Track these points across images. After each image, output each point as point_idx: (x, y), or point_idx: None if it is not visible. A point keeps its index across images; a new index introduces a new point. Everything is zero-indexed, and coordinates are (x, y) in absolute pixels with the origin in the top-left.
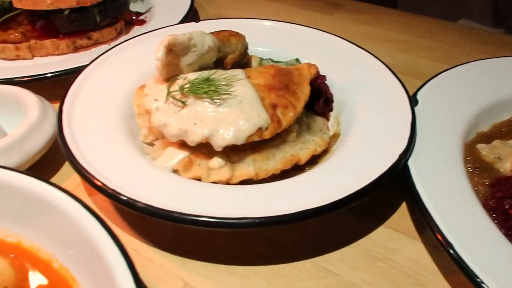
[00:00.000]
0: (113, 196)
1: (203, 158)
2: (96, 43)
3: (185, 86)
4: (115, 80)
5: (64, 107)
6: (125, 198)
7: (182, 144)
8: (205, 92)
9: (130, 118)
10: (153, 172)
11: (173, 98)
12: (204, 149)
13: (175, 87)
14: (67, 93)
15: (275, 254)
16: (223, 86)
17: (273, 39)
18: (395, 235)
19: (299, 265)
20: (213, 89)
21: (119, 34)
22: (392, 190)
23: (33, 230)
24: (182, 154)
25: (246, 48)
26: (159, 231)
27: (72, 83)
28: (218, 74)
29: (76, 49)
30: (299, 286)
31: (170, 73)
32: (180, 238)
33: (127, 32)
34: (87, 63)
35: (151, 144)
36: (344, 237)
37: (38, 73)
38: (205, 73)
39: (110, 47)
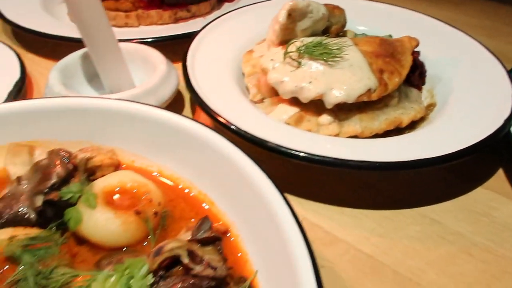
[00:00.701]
0: (244, 136)
1: (313, 114)
2: (194, 16)
3: (301, 48)
4: (224, 45)
5: (187, 64)
6: (257, 138)
7: (292, 101)
8: (320, 54)
9: (239, 78)
10: (271, 121)
11: (291, 58)
12: (313, 106)
13: (292, 48)
14: (187, 52)
15: (382, 201)
16: (335, 50)
17: (366, 17)
18: (494, 195)
19: (405, 212)
20: (326, 51)
21: (212, 9)
22: (489, 157)
23: (173, 161)
24: (293, 110)
25: (345, 21)
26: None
27: (189, 45)
28: (329, 40)
29: (176, 20)
30: (407, 230)
31: (285, 37)
32: (295, 181)
33: (218, 8)
34: (199, 29)
35: (258, 102)
36: (446, 195)
37: (162, 35)
38: (317, 38)
39: (216, 17)
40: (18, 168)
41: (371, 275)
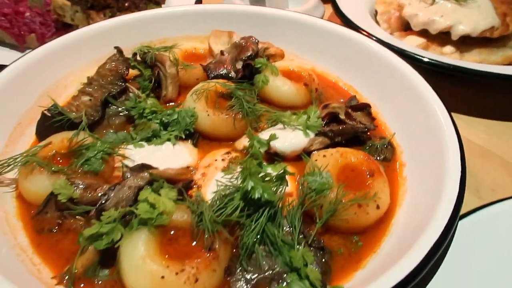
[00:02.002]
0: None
1: (437, 45)
2: None
3: None
4: None
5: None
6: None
7: (420, 34)
8: None
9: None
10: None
11: None
12: (438, 39)
13: None
14: None
15: None
16: None
17: None
18: None
19: None
20: None
21: None
22: None
23: (324, 60)
24: (421, 40)
25: None
26: None
27: None
28: None
29: None
30: None
31: None
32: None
33: None
34: None
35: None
36: None
37: None
38: None
39: None
40: (219, 46)
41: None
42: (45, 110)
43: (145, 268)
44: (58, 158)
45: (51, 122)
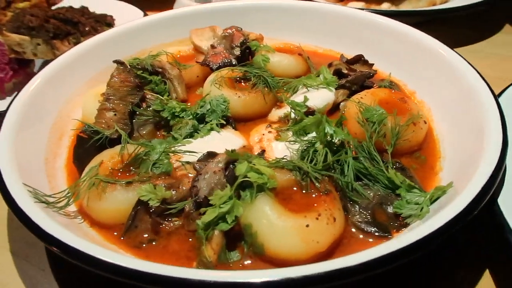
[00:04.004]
0: None
1: (375, 5)
2: None
3: None
4: None
5: None
6: None
7: None
8: None
9: None
10: None
11: None
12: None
13: None
14: None
15: None
16: None
17: None
18: None
19: None
20: None
21: None
22: None
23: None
24: (361, 4)
25: None
26: None
27: None
28: None
29: None
30: None
31: None
32: None
33: None
34: None
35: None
36: None
37: None
38: None
39: None
40: (205, 42)
41: None
42: (80, 133)
43: (288, 225)
44: (119, 174)
45: (90, 144)
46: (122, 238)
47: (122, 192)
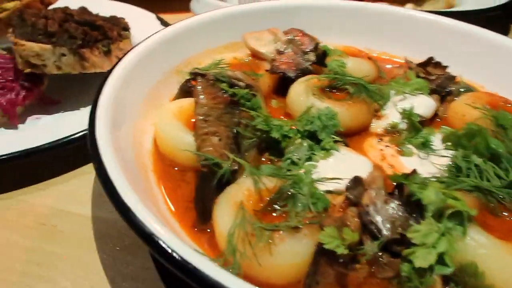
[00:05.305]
0: None
1: (398, 4)
2: None
3: None
4: None
5: None
6: None
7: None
8: None
9: None
10: None
11: None
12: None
13: None
14: None
15: None
16: None
17: None
18: None
19: None
20: None
21: None
22: None
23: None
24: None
25: None
26: None
27: None
28: None
29: None
30: None
31: None
32: None
33: None
34: None
35: None
36: None
37: None
38: None
39: None
40: (268, 47)
41: None
42: (202, 168)
43: None
44: (265, 216)
45: (216, 180)
46: None
47: (295, 241)
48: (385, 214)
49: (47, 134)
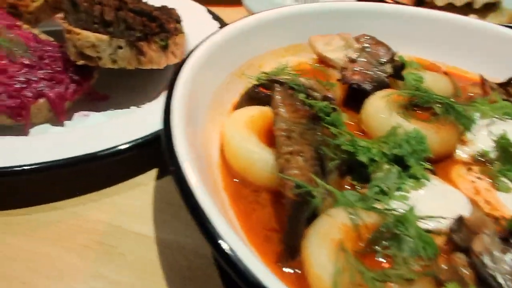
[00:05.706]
0: None
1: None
2: None
3: None
4: None
5: None
6: None
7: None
8: None
9: None
10: None
11: None
12: (459, 10)
13: None
14: None
15: None
16: None
17: None
18: None
19: None
20: None
21: None
22: None
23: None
24: None
25: None
26: None
27: None
28: None
29: None
30: None
31: None
32: None
33: None
34: None
35: None
36: None
37: None
38: None
39: None
40: (337, 53)
41: None
42: (294, 197)
43: None
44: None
45: (308, 210)
46: None
47: None
48: (504, 267)
49: (98, 134)
